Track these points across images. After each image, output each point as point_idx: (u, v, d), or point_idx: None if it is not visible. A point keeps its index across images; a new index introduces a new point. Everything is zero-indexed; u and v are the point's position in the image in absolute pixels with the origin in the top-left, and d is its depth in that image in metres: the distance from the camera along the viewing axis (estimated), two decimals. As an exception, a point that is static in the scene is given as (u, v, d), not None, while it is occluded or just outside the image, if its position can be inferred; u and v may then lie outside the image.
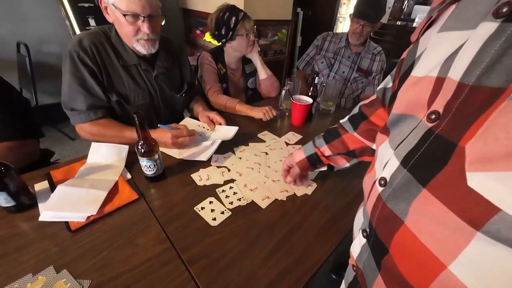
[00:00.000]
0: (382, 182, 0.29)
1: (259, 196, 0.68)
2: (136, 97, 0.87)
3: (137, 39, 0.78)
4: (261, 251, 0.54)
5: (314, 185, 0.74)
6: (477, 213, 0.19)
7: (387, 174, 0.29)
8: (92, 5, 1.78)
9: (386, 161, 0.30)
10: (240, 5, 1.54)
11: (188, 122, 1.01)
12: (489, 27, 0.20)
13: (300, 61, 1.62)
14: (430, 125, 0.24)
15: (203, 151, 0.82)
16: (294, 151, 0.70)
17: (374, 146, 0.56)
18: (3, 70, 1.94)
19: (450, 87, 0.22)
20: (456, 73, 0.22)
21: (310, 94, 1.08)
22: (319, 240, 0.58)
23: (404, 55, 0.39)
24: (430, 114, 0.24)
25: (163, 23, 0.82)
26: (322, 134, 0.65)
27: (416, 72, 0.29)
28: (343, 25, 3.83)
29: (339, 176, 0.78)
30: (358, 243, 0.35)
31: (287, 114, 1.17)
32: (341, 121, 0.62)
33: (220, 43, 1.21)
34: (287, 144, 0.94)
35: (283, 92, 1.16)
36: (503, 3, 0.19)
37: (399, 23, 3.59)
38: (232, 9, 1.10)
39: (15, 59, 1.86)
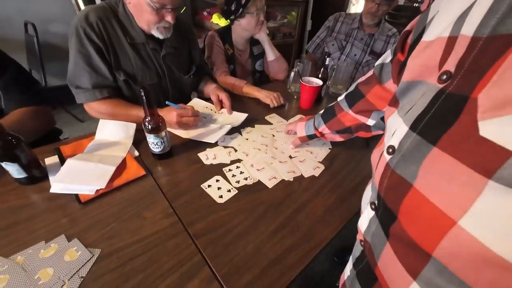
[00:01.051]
0: (390, 150, 0.29)
1: (266, 176, 0.67)
2: (143, 77, 0.85)
3: (157, 27, 0.77)
4: (266, 228, 0.54)
5: (322, 167, 0.73)
6: (489, 160, 0.19)
7: (395, 141, 0.29)
8: (98, -18, 1.74)
9: (394, 130, 0.30)
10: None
11: (196, 102, 1.00)
12: None
13: (310, 43, 1.56)
14: (441, 86, 0.23)
15: (211, 133, 0.81)
16: (298, 124, 0.76)
17: (369, 122, 0.59)
18: (12, 50, 1.93)
19: (462, 44, 0.21)
20: (469, 28, 0.21)
21: (320, 76, 1.05)
22: (325, 220, 0.57)
23: (408, 27, 0.38)
24: (441, 75, 0.23)
25: (182, 11, 0.81)
26: (321, 113, 0.71)
27: (427, 36, 0.28)
28: (356, 7, 3.66)
29: (346, 159, 0.77)
30: (366, 217, 0.35)
31: (295, 97, 1.14)
32: (338, 98, 0.66)
33: (227, 21, 1.17)
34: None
35: (292, 73, 1.13)
36: None
37: (416, 5, 3.40)
38: None
39: (23, 39, 1.86)
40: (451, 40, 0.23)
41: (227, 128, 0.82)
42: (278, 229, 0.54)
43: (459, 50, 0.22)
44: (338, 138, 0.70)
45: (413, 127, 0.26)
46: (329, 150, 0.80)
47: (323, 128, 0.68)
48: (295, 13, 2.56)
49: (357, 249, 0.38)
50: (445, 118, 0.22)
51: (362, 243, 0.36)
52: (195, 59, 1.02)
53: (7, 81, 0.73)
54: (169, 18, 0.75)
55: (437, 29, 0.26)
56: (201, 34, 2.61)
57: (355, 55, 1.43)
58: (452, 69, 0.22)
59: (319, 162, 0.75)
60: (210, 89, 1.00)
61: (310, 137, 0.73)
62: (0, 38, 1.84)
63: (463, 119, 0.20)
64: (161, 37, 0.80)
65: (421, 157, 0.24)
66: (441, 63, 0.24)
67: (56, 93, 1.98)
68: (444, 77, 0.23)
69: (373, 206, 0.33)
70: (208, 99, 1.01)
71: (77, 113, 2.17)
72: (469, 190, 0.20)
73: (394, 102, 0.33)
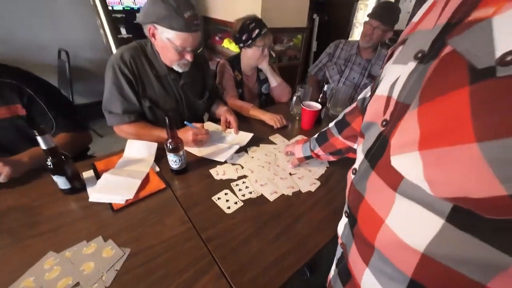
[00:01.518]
0: (354, 171, 0.40)
1: (268, 191, 0.77)
2: (164, 103, 0.99)
3: (178, 63, 0.92)
4: (268, 235, 0.63)
5: (318, 183, 0.82)
6: (395, 180, 0.29)
7: (357, 165, 0.39)
8: (124, 15, 1.97)
9: (359, 156, 0.40)
10: (257, 14, 1.65)
11: (208, 125, 1.13)
12: (411, 65, 0.30)
13: (312, 66, 1.70)
14: (382, 129, 0.34)
15: (221, 153, 0.92)
16: (296, 146, 0.86)
17: (355, 146, 0.68)
18: (46, 73, 2.15)
19: (392, 103, 0.32)
20: (395, 94, 0.32)
21: (320, 100, 1.16)
22: (319, 229, 0.66)
23: (379, 72, 0.48)
24: (382, 121, 0.34)
25: (199, 51, 0.97)
26: (316, 137, 0.80)
27: (378, 92, 0.39)
28: (360, 30, 3.85)
29: (340, 177, 0.86)
30: (342, 223, 0.44)
31: (297, 118, 1.25)
32: (330, 125, 0.76)
33: (237, 47, 1.32)
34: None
35: (294, 98, 1.25)
36: (419, 50, 0.29)
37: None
38: (258, 23, 1.20)
39: (56, 64, 2.09)
40: (388, 99, 0.34)
41: (235, 147, 0.94)
42: (278, 236, 0.63)
43: (391, 106, 0.33)
44: (331, 158, 0.80)
45: (366, 156, 0.37)
46: (326, 168, 0.89)
47: (318, 150, 0.79)
48: (300, 36, 2.74)
49: (338, 250, 0.47)
50: (379, 152, 0.33)
51: (341, 246, 0.45)
52: (208, 85, 1.16)
53: (57, 110, 0.87)
54: (188, 57, 0.89)
55: (382, 89, 0.36)
56: (212, 57, 2.82)
57: (354, 78, 1.55)
58: (388, 118, 0.33)
59: (316, 179, 0.84)
60: (221, 111, 1.13)
61: (307, 157, 0.84)
62: (36, 63, 2.08)
63: (385, 154, 0.31)
64: (180, 71, 0.95)
65: (367, 177, 0.35)
66: (384, 113, 0.35)
67: (81, 111, 2.18)
68: (384, 123, 0.33)
69: (346, 214, 0.43)
70: (219, 120, 1.14)
71: (97, 128, 2.35)
72: (389, 199, 0.30)
73: (361, 134, 0.43)
